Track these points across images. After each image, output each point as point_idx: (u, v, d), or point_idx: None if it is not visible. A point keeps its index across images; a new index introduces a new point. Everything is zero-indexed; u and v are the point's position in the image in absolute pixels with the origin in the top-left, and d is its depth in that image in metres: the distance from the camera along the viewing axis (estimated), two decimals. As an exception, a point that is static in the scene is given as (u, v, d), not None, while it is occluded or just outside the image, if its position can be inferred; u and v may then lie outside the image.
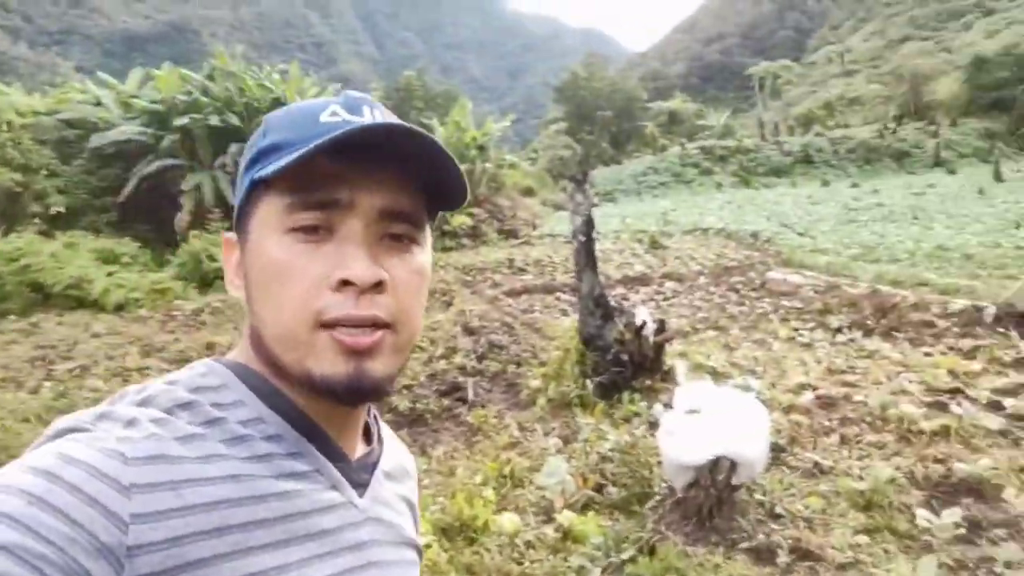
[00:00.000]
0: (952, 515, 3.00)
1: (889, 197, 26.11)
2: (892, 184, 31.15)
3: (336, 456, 0.60)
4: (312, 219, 0.55)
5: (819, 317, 8.10)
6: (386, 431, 0.72)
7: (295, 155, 0.52)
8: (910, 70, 46.77)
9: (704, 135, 54.26)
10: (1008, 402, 4.36)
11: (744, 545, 2.98)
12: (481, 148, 24.62)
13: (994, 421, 3.97)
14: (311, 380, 0.55)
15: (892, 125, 42.59)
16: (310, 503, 0.56)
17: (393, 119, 0.57)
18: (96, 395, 6.27)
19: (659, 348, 5.46)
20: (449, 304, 11.15)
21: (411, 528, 0.68)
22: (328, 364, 0.54)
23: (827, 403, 4.71)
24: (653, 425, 4.39)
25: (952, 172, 33.90)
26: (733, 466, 3.05)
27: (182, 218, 16.99)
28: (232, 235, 0.62)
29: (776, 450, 3.93)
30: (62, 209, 16.72)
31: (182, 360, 7.96)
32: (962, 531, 2.93)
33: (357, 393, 0.55)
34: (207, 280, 15.44)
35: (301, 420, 0.58)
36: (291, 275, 0.54)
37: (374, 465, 0.65)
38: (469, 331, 8.36)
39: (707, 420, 3.15)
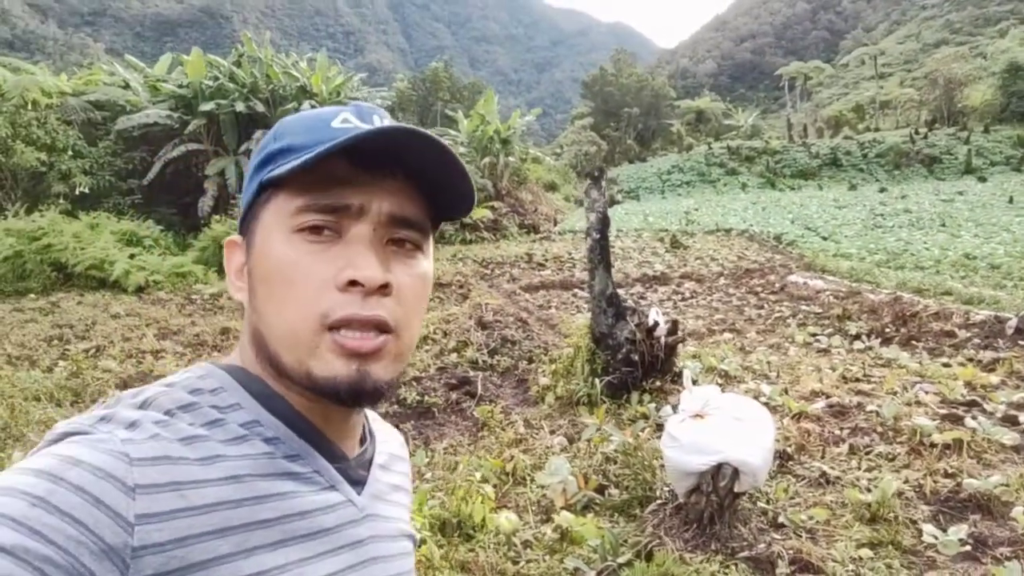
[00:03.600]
0: (958, 531, 2.92)
1: (917, 203, 25.61)
2: (921, 190, 30.56)
3: (334, 456, 0.61)
4: (321, 221, 0.56)
5: (838, 323, 7.98)
6: (372, 417, 0.72)
7: (310, 155, 0.53)
8: (944, 75, 45.77)
9: (731, 135, 53.68)
10: (1025, 418, 4.24)
11: (744, 554, 2.93)
12: (505, 141, 24.53)
13: (1008, 436, 3.86)
14: (313, 381, 0.55)
15: (923, 130, 41.74)
16: (310, 503, 0.56)
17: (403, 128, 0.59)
18: (108, 375, 6.32)
19: (671, 349, 5.41)
20: (465, 297, 11.13)
21: (406, 517, 0.69)
22: (331, 366, 0.55)
23: (839, 411, 4.62)
24: (660, 427, 4.34)
25: (983, 180, 33.16)
26: (735, 473, 3.00)
27: (205, 203, 17.17)
28: (237, 237, 0.62)
29: (783, 458, 3.87)
30: (86, 190, 16.90)
31: (197, 344, 8.03)
32: (967, 548, 2.85)
33: (360, 396, 0.56)
34: (228, 265, 15.52)
35: (299, 422, 0.58)
36: (298, 274, 0.55)
37: (370, 461, 0.66)
38: (483, 325, 8.33)
39: (711, 426, 3.10)
